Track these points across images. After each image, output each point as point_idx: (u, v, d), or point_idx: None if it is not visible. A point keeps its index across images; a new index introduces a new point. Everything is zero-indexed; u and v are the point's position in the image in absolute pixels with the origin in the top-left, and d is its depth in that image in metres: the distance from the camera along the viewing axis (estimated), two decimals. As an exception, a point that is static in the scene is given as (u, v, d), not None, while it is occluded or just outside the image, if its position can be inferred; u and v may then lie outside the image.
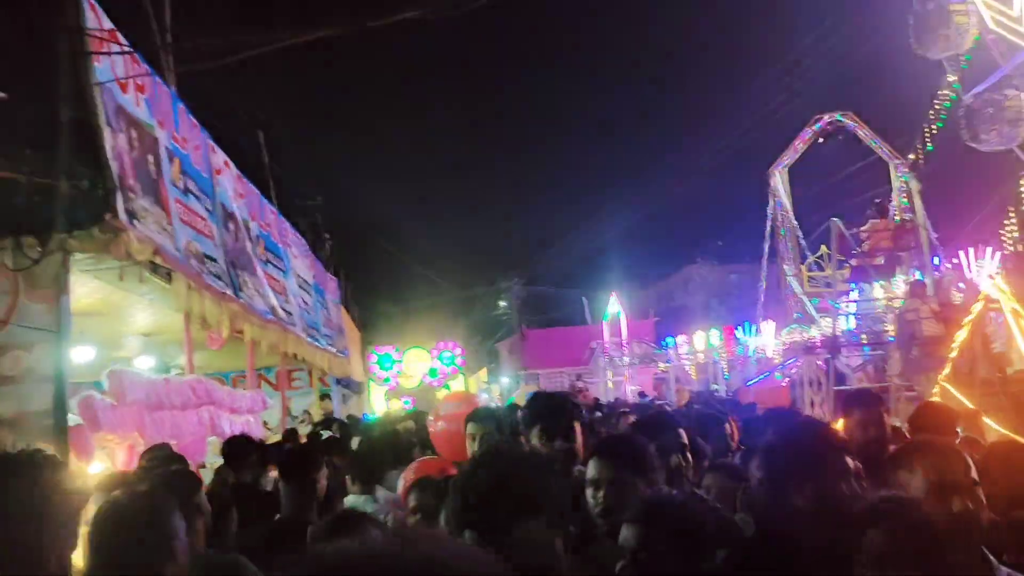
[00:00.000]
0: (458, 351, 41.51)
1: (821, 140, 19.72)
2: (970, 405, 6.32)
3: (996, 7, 17.38)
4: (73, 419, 6.02)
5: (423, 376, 39.95)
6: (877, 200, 16.51)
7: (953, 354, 7.64)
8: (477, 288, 44.01)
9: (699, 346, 34.35)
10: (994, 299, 7.37)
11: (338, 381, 20.12)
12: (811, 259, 18.67)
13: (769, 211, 21.08)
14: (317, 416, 16.67)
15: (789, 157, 20.14)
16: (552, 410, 3.95)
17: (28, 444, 2.69)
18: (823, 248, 18.12)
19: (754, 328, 30.95)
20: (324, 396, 19.69)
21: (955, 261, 14.86)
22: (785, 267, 20.86)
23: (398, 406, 33.93)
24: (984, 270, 15.36)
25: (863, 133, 18.15)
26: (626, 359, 30.19)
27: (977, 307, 7.46)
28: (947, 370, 7.59)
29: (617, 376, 29.80)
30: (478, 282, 45.34)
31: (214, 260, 9.07)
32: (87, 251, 6.10)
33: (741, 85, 61.63)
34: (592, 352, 30.59)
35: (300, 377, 18.94)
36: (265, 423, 11.99)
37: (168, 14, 9.30)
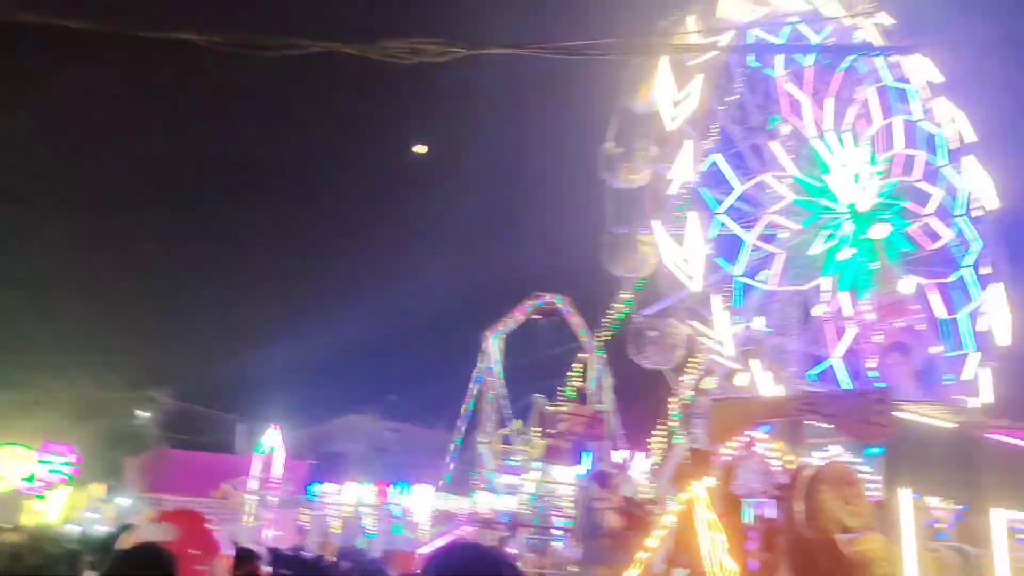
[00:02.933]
0: (72, 458, 35.74)
1: (538, 317, 20.63)
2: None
3: (672, 246, 20.01)
4: None
5: (16, 480, 33.55)
6: (580, 384, 17.37)
7: (645, 555, 7.63)
8: (116, 390, 38.95)
9: (348, 499, 32.87)
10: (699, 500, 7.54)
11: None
12: (512, 427, 18.79)
13: (475, 374, 21.23)
14: None
15: (507, 325, 20.71)
16: None
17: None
18: (516, 423, 18.44)
19: (409, 488, 30.39)
20: None
21: (623, 459, 15.81)
22: (480, 436, 20.86)
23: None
24: (635, 470, 16.40)
25: (575, 320, 19.32)
26: (275, 499, 27.79)
27: (674, 509, 7.60)
28: (635, 571, 7.53)
29: (260, 518, 27.18)
30: (118, 383, 40.18)
31: None
32: None
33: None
34: (232, 487, 27.83)
35: None
36: None
37: None
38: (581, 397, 16.20)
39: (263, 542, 22.21)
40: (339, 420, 39.66)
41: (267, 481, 28.67)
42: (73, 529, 21.96)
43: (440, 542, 25.01)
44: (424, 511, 29.26)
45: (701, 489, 7.76)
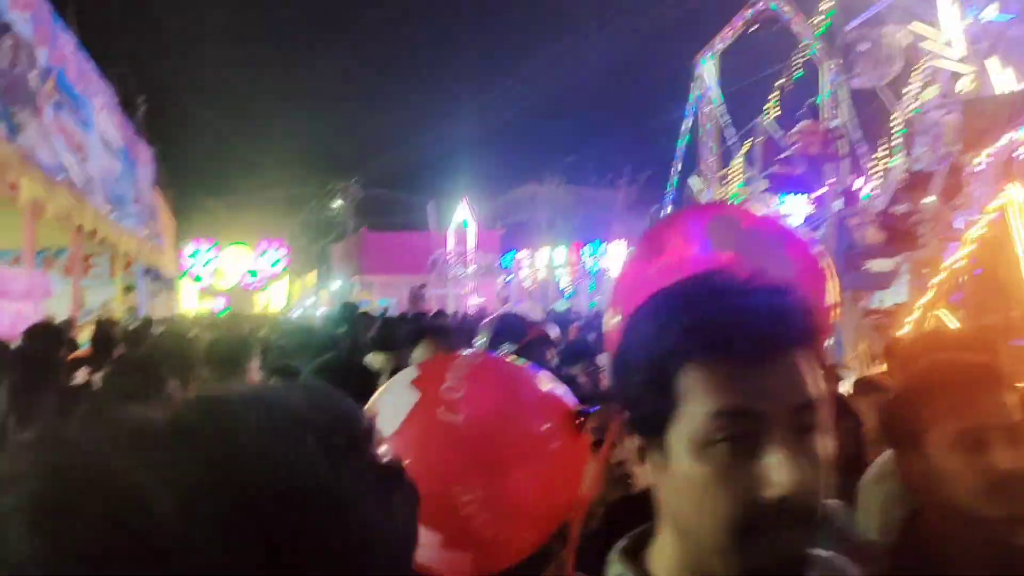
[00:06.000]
0: (283, 251, 38.30)
1: (753, 28, 18.09)
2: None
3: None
4: None
5: (242, 276, 36.57)
6: (811, 101, 15.27)
7: (940, 277, 6.37)
8: (310, 185, 40.67)
9: (541, 262, 33.33)
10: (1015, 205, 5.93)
11: (146, 272, 16.99)
12: (735, 162, 16.97)
13: (689, 107, 19.28)
14: (119, 312, 13.76)
15: (721, 43, 18.29)
16: None
17: None
18: (739, 157, 16.54)
19: (603, 247, 30.18)
20: (128, 289, 16.61)
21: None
22: (696, 174, 19.27)
23: (210, 306, 30.76)
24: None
25: (798, 26, 16.58)
26: (471, 269, 28.51)
27: (988, 219, 6.12)
28: (930, 296, 6.34)
29: (459, 288, 28.12)
30: (311, 179, 41.97)
31: (-28, 77, 6.28)
32: None
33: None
34: (435, 263, 28.69)
35: (99, 264, 15.73)
36: (51, 318, 9.19)
37: None
38: (812, 113, 14.07)
39: (468, 311, 22.90)
40: (522, 189, 39.58)
41: (463, 253, 29.37)
42: (295, 314, 23.62)
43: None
44: (618, 266, 29.12)
45: (1020, 191, 6.06)
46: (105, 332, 6.36)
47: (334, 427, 0.51)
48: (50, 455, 0.45)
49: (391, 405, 1.39)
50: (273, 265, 36.77)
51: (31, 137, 7.70)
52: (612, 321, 1.68)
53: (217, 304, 31.18)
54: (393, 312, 15.95)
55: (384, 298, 26.79)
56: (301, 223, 41.32)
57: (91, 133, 10.97)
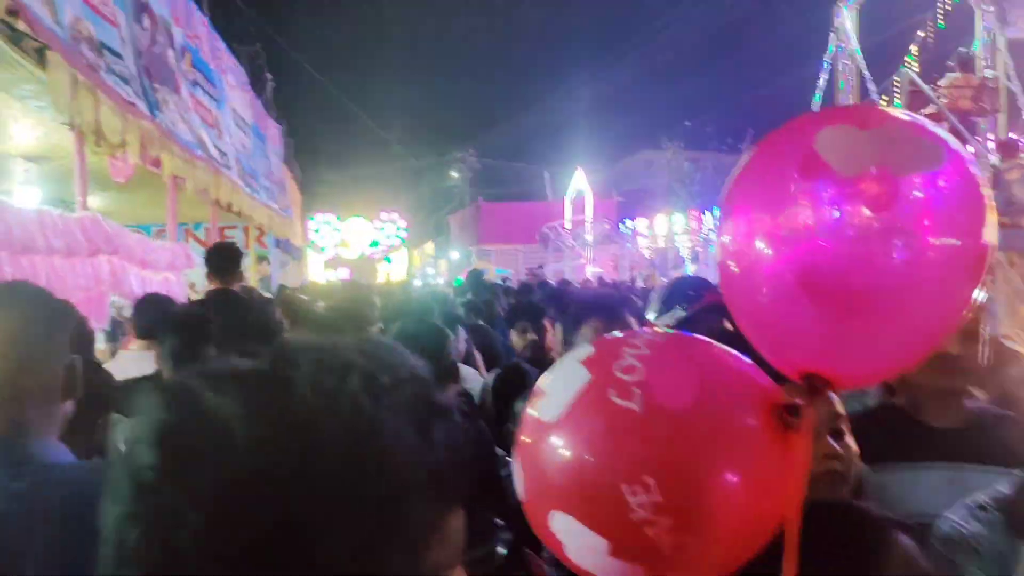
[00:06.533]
0: (402, 222, 39.16)
1: None
2: None
3: None
4: None
5: (364, 246, 37.66)
6: (963, 49, 14.09)
7: None
8: (427, 157, 41.35)
9: (660, 230, 32.71)
10: None
11: (277, 243, 17.70)
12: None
13: (827, 58, 18.19)
14: (253, 281, 14.40)
15: None
16: None
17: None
18: (886, 99, 15.28)
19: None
20: (261, 259, 17.37)
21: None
22: None
23: (335, 276, 31.84)
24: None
25: None
26: (589, 238, 28.29)
27: None
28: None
29: (576, 258, 27.97)
30: (428, 151, 42.67)
31: (119, 56, 6.59)
32: None
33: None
34: (544, 236, 28.58)
35: (234, 236, 16.50)
36: (192, 285, 9.70)
37: None
38: (962, 64, 12.88)
39: (585, 279, 22.77)
40: (635, 156, 38.93)
41: (580, 222, 29.17)
42: (416, 283, 24.16)
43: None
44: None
45: None
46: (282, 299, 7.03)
47: (379, 370, 0.64)
48: (169, 393, 0.63)
49: (560, 386, 1.18)
50: (392, 236, 37.68)
51: (171, 114, 8.06)
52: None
53: (341, 274, 32.27)
54: (511, 283, 16.00)
55: (501, 268, 26.97)
56: (419, 194, 42.10)
57: (224, 110, 11.41)
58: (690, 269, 24.20)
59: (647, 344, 1.19)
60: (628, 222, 32.65)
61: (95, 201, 8.54)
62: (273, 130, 17.41)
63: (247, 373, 0.63)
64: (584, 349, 1.26)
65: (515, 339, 5.86)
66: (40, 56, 4.88)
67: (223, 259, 5.69)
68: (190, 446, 0.58)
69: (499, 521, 2.70)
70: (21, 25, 4.50)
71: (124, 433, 0.99)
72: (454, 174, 39.87)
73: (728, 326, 3.23)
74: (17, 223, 4.78)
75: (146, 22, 7.81)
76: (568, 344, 2.70)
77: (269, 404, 0.60)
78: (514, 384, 3.84)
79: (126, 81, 6.62)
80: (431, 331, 3.40)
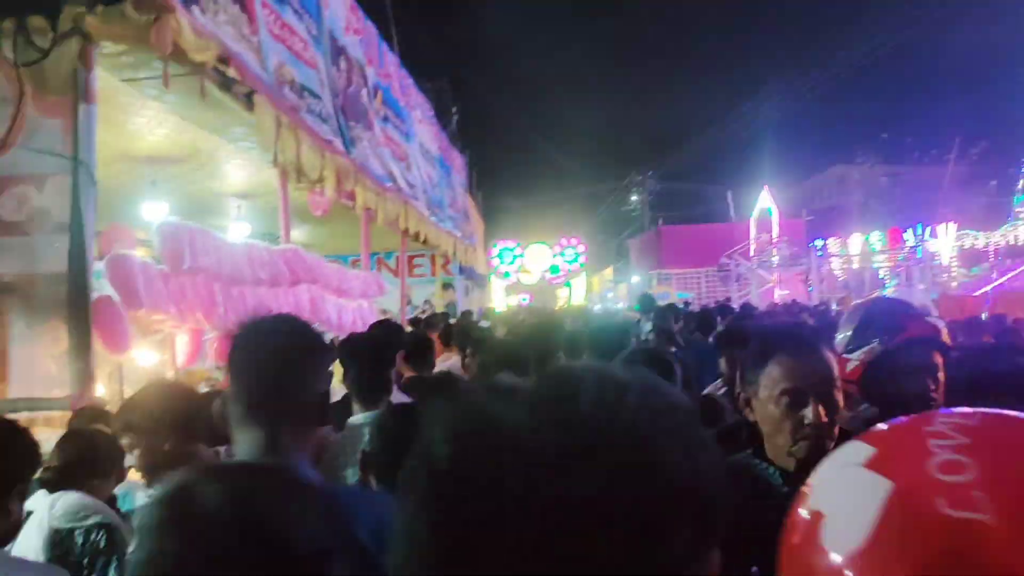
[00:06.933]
0: (581, 247, 39.34)
1: None
2: None
3: None
4: (104, 288, 4.13)
5: (544, 272, 38.15)
6: None
7: None
8: (606, 182, 41.38)
9: (854, 250, 30.74)
10: None
11: (461, 270, 18.27)
12: None
13: None
14: (439, 307, 14.92)
15: None
16: None
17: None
18: None
19: (928, 231, 27.13)
20: (447, 286, 17.99)
21: None
22: None
23: (516, 302, 32.48)
24: None
25: None
26: (775, 259, 27.02)
27: None
28: None
29: (763, 284, 26.74)
30: (606, 176, 42.71)
31: (317, 97, 7.00)
32: (116, 38, 4.06)
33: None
34: (726, 265, 27.52)
35: (422, 264, 17.21)
36: (384, 312, 10.14)
37: None
38: None
39: (772, 303, 21.75)
40: (826, 173, 36.95)
41: (766, 243, 27.99)
42: (595, 308, 24.08)
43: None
44: (947, 251, 26.06)
45: None
46: (457, 326, 7.18)
47: (652, 393, 0.68)
48: (459, 404, 0.69)
49: (845, 502, 0.87)
50: (572, 261, 37.90)
51: (364, 150, 8.48)
52: None
53: (522, 300, 32.78)
54: (693, 306, 15.56)
55: (682, 291, 26.34)
56: (599, 219, 42.15)
57: (412, 143, 11.91)
58: (890, 291, 22.54)
59: (959, 429, 0.87)
60: (819, 242, 30.97)
61: (297, 234, 9.13)
62: (457, 160, 18.03)
63: (531, 389, 0.68)
64: (855, 449, 0.95)
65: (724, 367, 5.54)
66: (248, 100, 5.25)
67: (420, 348, 4.94)
68: (480, 445, 0.64)
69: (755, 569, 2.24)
70: (232, 72, 4.85)
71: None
72: (633, 198, 39.60)
73: (938, 361, 2.56)
74: (228, 257, 5.14)
75: (343, 64, 8.28)
76: (749, 384, 1.96)
77: (554, 411, 0.65)
78: (708, 417, 3.59)
79: (324, 120, 7.02)
80: (661, 366, 2.99)
